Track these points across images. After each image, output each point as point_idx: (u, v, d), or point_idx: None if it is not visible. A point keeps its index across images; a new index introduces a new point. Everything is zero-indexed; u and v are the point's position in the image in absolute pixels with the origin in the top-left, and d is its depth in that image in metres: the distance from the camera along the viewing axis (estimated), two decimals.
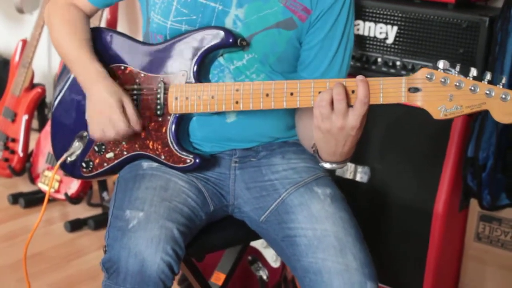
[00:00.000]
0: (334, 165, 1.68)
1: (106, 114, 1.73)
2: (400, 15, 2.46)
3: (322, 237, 1.66)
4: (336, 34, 1.77)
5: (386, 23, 2.49)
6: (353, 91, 1.57)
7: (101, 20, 3.03)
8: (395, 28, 2.48)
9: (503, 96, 1.47)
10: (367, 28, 2.53)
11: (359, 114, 1.56)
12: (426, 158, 2.46)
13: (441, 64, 1.53)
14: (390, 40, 2.50)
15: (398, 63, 2.48)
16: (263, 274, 2.52)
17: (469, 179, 2.41)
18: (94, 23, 2.23)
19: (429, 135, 2.45)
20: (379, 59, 2.52)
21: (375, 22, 2.51)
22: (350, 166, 2.59)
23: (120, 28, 3.45)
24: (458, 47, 2.36)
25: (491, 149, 2.38)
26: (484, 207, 2.46)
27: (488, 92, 1.48)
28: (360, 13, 2.53)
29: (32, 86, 3.43)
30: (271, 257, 2.52)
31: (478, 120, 2.37)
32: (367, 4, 2.52)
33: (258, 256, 2.52)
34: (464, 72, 1.52)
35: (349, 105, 1.56)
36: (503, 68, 2.31)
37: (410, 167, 2.48)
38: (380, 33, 2.51)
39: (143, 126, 1.78)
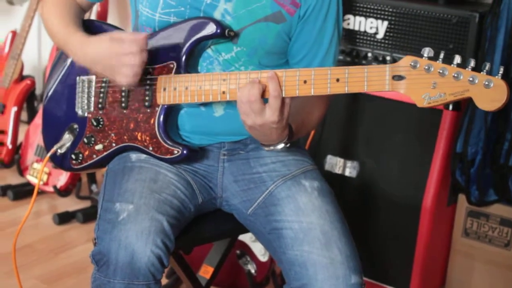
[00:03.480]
0: (271, 147, 1.70)
1: (109, 61, 1.68)
2: (390, 10, 2.46)
3: (307, 230, 1.66)
4: (328, 28, 1.78)
5: (376, 18, 2.49)
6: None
7: (91, 13, 3.02)
8: (386, 23, 2.48)
9: (486, 83, 1.44)
10: (358, 23, 2.53)
11: (275, 108, 1.58)
12: (415, 153, 2.46)
13: (425, 51, 1.50)
14: (380, 35, 2.50)
15: (388, 58, 2.48)
16: (251, 268, 2.52)
17: (458, 174, 2.41)
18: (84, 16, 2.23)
19: (418, 130, 2.45)
20: (369, 54, 2.52)
21: (366, 16, 2.51)
22: (339, 161, 2.60)
23: (110, 21, 3.43)
24: (448, 43, 2.36)
25: (480, 144, 2.39)
26: (472, 202, 2.47)
27: (471, 79, 1.45)
28: (351, 8, 2.53)
29: (21, 78, 3.42)
30: (260, 251, 2.52)
31: (467, 115, 2.37)
32: None
33: (246, 250, 2.52)
34: (449, 60, 1.49)
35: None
36: (493, 63, 2.31)
37: (399, 162, 2.49)
38: (371, 27, 2.51)
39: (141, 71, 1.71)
